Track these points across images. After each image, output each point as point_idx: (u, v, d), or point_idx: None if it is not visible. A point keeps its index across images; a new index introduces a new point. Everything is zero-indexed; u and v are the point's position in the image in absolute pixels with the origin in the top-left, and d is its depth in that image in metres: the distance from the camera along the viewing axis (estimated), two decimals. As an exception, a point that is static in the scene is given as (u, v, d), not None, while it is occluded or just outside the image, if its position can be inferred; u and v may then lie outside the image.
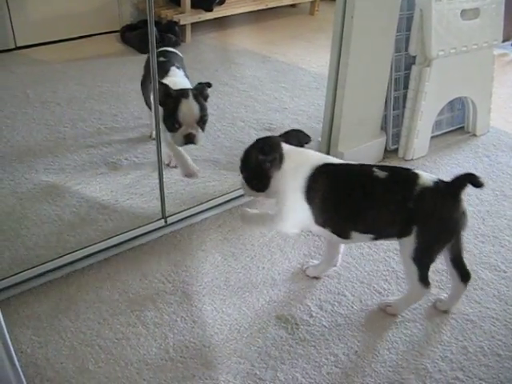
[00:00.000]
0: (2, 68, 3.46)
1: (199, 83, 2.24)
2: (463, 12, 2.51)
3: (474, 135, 2.91)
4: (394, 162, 2.60)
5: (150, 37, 1.79)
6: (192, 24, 4.07)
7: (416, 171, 1.63)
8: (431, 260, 1.66)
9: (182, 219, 2.10)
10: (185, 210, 2.11)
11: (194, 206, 2.13)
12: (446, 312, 1.79)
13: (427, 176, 1.61)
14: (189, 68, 3.52)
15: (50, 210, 2.14)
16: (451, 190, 1.59)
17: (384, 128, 2.64)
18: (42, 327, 1.66)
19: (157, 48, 1.97)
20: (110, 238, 1.94)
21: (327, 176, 1.67)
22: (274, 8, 4.60)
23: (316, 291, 1.84)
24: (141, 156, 2.53)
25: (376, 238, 1.72)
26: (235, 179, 2.35)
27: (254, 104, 3.10)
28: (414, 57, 2.55)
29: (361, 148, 2.46)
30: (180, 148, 2.22)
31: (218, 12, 4.17)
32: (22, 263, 1.86)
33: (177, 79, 2.34)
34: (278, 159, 1.69)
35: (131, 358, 1.58)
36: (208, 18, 4.12)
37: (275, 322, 1.72)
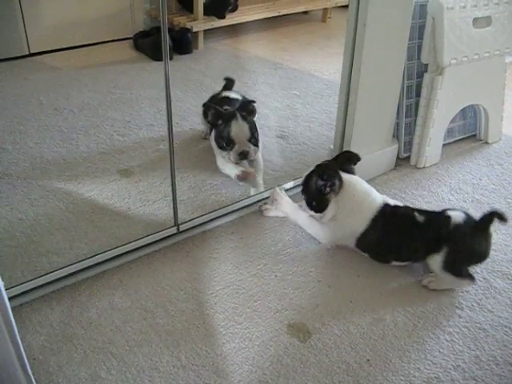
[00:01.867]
0: (16, 74, 3.49)
1: (243, 101, 2.50)
2: (475, 20, 2.51)
3: (486, 143, 2.90)
4: (406, 170, 2.60)
5: (163, 45, 1.80)
6: (205, 31, 4.09)
7: (448, 213, 1.88)
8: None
9: (195, 226, 2.10)
10: (197, 217, 2.11)
11: (207, 214, 2.13)
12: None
13: (459, 215, 1.87)
14: (201, 75, 3.57)
15: (62, 217, 2.16)
16: (480, 226, 1.85)
17: (396, 136, 2.64)
18: (54, 334, 1.67)
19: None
20: (122, 245, 1.95)
21: (384, 219, 1.93)
22: (286, 15, 4.61)
23: (328, 299, 1.84)
24: (153, 163, 2.54)
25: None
26: (247, 186, 2.37)
27: (265, 111, 3.11)
28: (426, 65, 2.54)
29: (373, 156, 2.45)
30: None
31: (231, 19, 4.19)
32: (34, 270, 1.87)
33: None
34: (337, 185, 1.93)
35: (143, 365, 1.59)
36: (221, 25, 4.13)
37: (287, 330, 1.72)
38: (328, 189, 1.92)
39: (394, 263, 1.98)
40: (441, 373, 1.60)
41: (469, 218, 1.88)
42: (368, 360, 1.63)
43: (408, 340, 1.70)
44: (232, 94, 2.75)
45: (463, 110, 2.79)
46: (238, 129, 2.34)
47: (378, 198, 1.97)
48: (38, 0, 3.67)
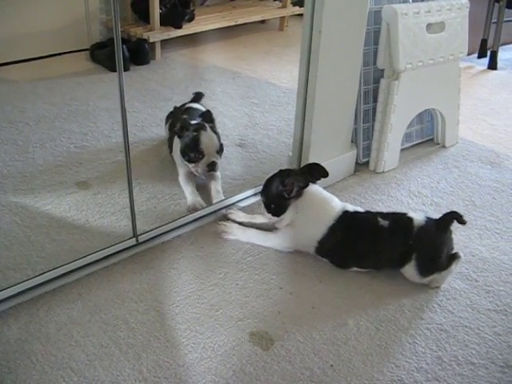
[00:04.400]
0: (-31, 88, 3.42)
1: (206, 110, 2.51)
2: (429, 26, 2.55)
3: (444, 147, 2.94)
4: (365, 175, 2.62)
5: (116, 55, 1.78)
6: (162, 41, 4.08)
7: (409, 215, 1.93)
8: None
9: (154, 237, 2.08)
10: (156, 227, 2.08)
11: (166, 224, 2.11)
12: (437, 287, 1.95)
13: (418, 216, 1.92)
14: (159, 85, 3.56)
15: (19, 231, 2.11)
16: (440, 226, 1.90)
17: (354, 141, 2.66)
18: (11, 351, 1.62)
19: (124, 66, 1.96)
20: (80, 258, 1.91)
21: (343, 226, 1.94)
22: (243, 24, 4.62)
23: (290, 306, 1.83)
24: (111, 174, 2.51)
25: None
26: (206, 196, 2.35)
27: (224, 120, 3.10)
28: (383, 70, 2.57)
29: (332, 162, 2.46)
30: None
31: (188, 29, 4.18)
32: (-10, 286, 1.83)
33: None
34: (297, 192, 1.95)
35: (104, 379, 1.55)
36: (177, 35, 4.12)
37: (249, 339, 1.70)
38: (287, 195, 1.95)
39: (355, 269, 1.99)
40: (404, 375, 1.60)
41: (429, 219, 1.92)
42: (331, 365, 1.63)
43: (371, 344, 1.71)
44: (195, 105, 2.76)
45: (420, 115, 2.83)
46: (208, 140, 2.33)
47: (338, 206, 1.99)
48: (-11, 12, 3.62)
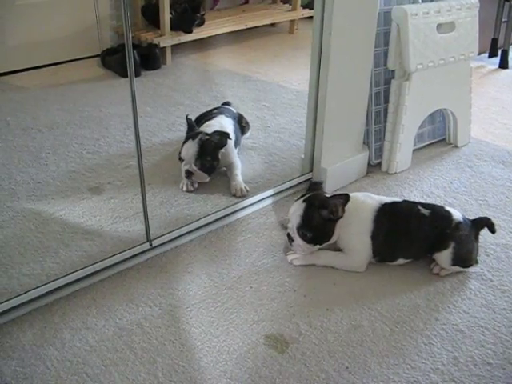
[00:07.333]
0: (-18, 96, 3.45)
1: (216, 132, 2.48)
2: (439, 26, 2.54)
3: (456, 146, 2.93)
4: (377, 177, 2.61)
5: (128, 60, 1.78)
6: (172, 46, 4.09)
7: (447, 209, 2.01)
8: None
9: (167, 242, 2.08)
10: (169, 232, 2.09)
11: (179, 228, 2.11)
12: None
13: (456, 212, 2.00)
14: (170, 90, 3.57)
15: (32, 238, 2.12)
16: (474, 227, 1.99)
17: (366, 143, 2.65)
18: (26, 357, 1.63)
19: (135, 72, 1.97)
20: (94, 263, 1.92)
21: (387, 215, 1.97)
22: (253, 28, 4.63)
23: (304, 308, 1.83)
24: (124, 179, 2.52)
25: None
26: (219, 199, 2.36)
27: (236, 123, 3.10)
28: (393, 71, 2.56)
29: (344, 163, 2.46)
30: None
31: (198, 33, 4.19)
32: (4, 293, 1.83)
33: (221, 120, 2.67)
34: (342, 211, 1.93)
35: (119, 384, 1.56)
36: (188, 39, 4.14)
37: (264, 342, 1.70)
38: (334, 215, 1.91)
39: (400, 261, 2.01)
40: (420, 376, 1.60)
41: (463, 216, 2.00)
42: (347, 367, 1.62)
43: (386, 345, 1.70)
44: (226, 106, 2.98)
45: (432, 115, 2.82)
46: (188, 148, 2.43)
47: (373, 199, 2.00)
48: (1, 20, 3.64)
